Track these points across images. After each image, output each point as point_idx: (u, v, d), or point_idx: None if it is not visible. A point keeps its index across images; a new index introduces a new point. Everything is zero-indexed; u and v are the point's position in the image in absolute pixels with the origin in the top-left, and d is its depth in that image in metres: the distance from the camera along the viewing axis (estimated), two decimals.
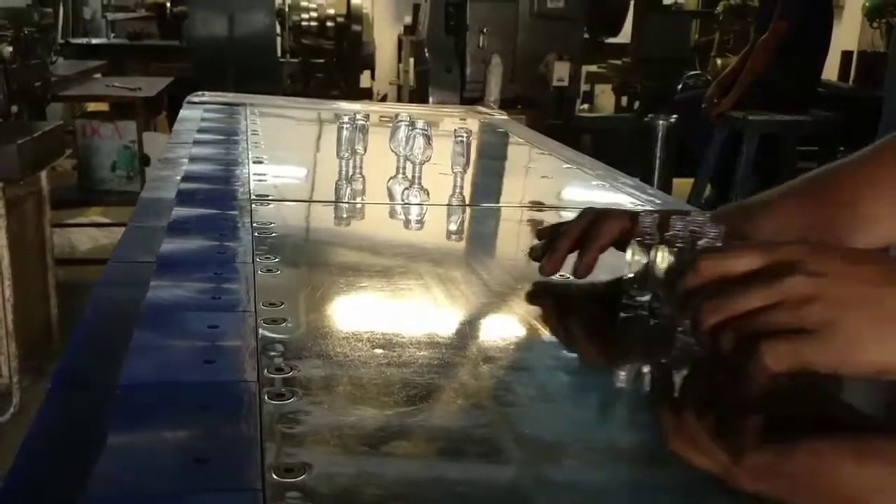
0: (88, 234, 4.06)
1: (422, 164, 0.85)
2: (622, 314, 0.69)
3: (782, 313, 0.54)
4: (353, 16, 6.19)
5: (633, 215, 0.74)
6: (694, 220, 0.67)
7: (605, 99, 7.18)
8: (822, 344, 0.53)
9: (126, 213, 3.77)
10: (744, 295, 0.56)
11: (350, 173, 0.93)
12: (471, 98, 4.50)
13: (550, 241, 0.77)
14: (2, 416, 2.38)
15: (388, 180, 0.92)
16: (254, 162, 1.17)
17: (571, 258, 0.76)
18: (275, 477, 0.43)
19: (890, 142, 0.80)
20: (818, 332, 0.53)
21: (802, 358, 0.53)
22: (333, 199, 1.01)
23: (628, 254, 0.70)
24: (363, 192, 0.93)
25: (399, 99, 6.92)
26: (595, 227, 0.75)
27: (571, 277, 0.75)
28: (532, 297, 0.75)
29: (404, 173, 0.90)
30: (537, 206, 1.10)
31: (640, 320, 0.69)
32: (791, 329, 0.54)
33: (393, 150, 0.90)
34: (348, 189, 0.93)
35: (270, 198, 0.98)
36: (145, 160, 3.76)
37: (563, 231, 0.77)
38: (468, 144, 0.87)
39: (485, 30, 4.75)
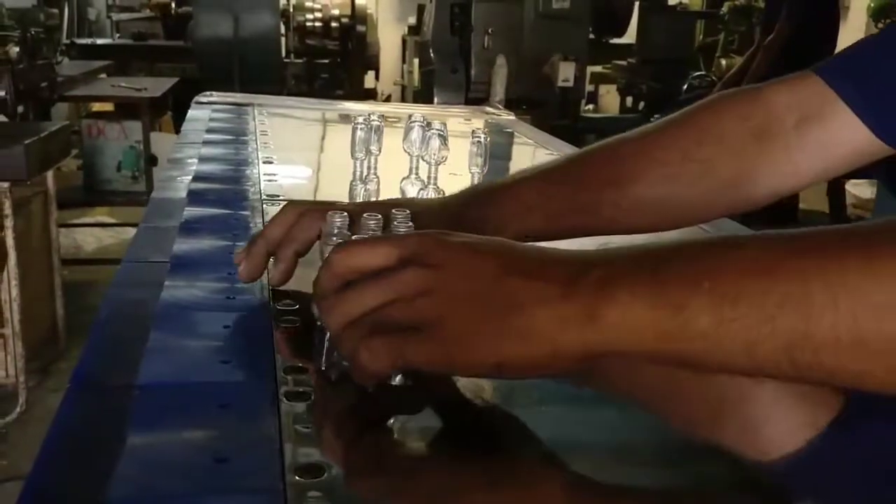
0: (94, 234, 4.07)
1: (437, 164, 0.85)
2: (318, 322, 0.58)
3: (395, 309, 0.48)
4: (357, 16, 6.21)
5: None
6: (395, 216, 0.59)
7: (610, 99, 7.19)
8: (427, 340, 0.47)
9: (131, 214, 3.80)
10: (358, 291, 0.49)
11: (364, 174, 0.93)
12: (476, 98, 4.50)
13: (250, 243, 0.68)
14: (8, 415, 2.38)
15: (402, 181, 0.92)
16: (264, 162, 1.17)
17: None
18: (296, 477, 0.43)
19: (682, 114, 0.74)
20: (427, 328, 0.47)
21: (404, 356, 0.47)
22: (346, 199, 1.01)
23: (320, 255, 0.63)
24: (377, 193, 0.93)
25: (403, 99, 6.92)
26: (293, 229, 0.67)
27: None
28: None
29: (417, 174, 0.89)
30: None
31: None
32: (407, 326, 0.47)
33: (406, 151, 0.89)
34: (362, 189, 0.93)
35: (281, 198, 0.98)
36: (153, 160, 3.77)
37: (262, 232, 0.68)
38: (486, 146, 0.86)
39: (490, 30, 4.75)
